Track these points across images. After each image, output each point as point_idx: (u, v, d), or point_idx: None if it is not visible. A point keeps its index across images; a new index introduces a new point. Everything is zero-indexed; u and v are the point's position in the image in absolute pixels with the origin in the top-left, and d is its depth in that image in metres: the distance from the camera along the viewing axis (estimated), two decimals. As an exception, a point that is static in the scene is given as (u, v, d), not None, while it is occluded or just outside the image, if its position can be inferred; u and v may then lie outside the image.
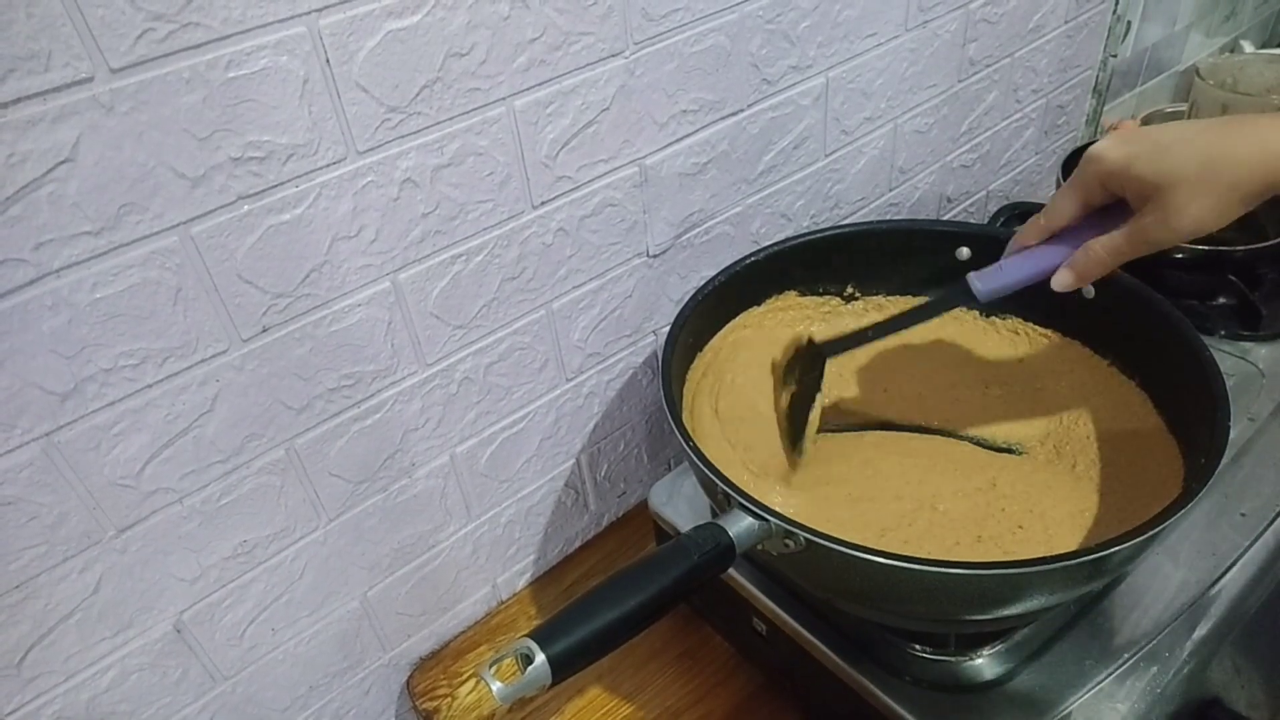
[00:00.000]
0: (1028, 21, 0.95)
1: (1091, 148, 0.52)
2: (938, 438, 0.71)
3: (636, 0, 0.60)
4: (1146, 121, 1.27)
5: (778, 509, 0.51)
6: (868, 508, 0.63)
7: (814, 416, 0.66)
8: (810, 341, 0.68)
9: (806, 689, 0.66)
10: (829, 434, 0.70)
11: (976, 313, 0.78)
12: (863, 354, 0.76)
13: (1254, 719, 0.64)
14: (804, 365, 0.69)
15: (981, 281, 0.57)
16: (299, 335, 0.55)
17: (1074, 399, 0.70)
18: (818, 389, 0.66)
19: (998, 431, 0.70)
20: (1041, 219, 0.55)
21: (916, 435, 0.71)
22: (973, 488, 0.64)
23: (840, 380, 0.74)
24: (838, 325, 0.77)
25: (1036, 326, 0.75)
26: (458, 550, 0.73)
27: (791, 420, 0.68)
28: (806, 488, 0.65)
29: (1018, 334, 0.76)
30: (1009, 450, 0.69)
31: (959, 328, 0.78)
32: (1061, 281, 0.54)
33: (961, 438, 0.70)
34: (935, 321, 0.78)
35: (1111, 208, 0.52)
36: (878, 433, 0.71)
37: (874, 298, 0.79)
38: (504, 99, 0.57)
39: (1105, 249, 0.52)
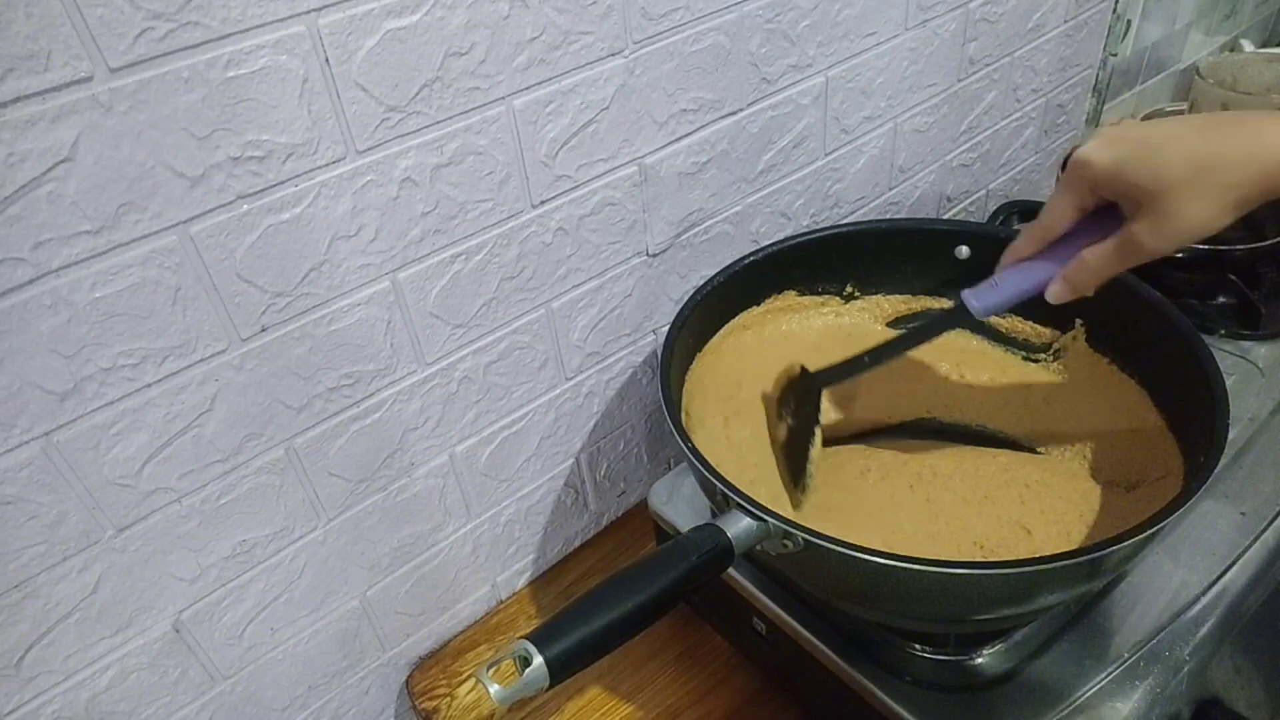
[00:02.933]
0: (1027, 21, 0.95)
1: (1078, 151, 0.50)
2: (934, 438, 0.70)
3: (636, 0, 0.60)
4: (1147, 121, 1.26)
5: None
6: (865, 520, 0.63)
7: (814, 453, 0.63)
8: (804, 372, 0.67)
9: (806, 689, 0.66)
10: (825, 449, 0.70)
11: (976, 312, 0.78)
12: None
13: (1254, 719, 0.64)
14: (798, 397, 0.67)
15: (977, 299, 0.56)
16: (298, 334, 0.55)
17: (1074, 398, 0.70)
18: (816, 422, 0.64)
19: (996, 430, 0.70)
20: (1035, 229, 0.53)
21: (912, 438, 0.71)
22: (971, 486, 0.64)
23: (832, 388, 0.74)
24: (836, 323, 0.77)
25: (1035, 325, 0.75)
26: (457, 550, 0.73)
27: (790, 456, 0.66)
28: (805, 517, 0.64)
29: (1017, 333, 0.76)
30: (1007, 445, 0.69)
31: (957, 328, 0.78)
32: (1056, 294, 0.53)
33: (960, 437, 0.70)
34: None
35: (1107, 209, 0.51)
36: (871, 441, 0.71)
37: (874, 297, 0.79)
38: (503, 98, 0.57)
39: (1098, 259, 0.50)
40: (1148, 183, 0.46)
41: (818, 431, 0.64)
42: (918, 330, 0.62)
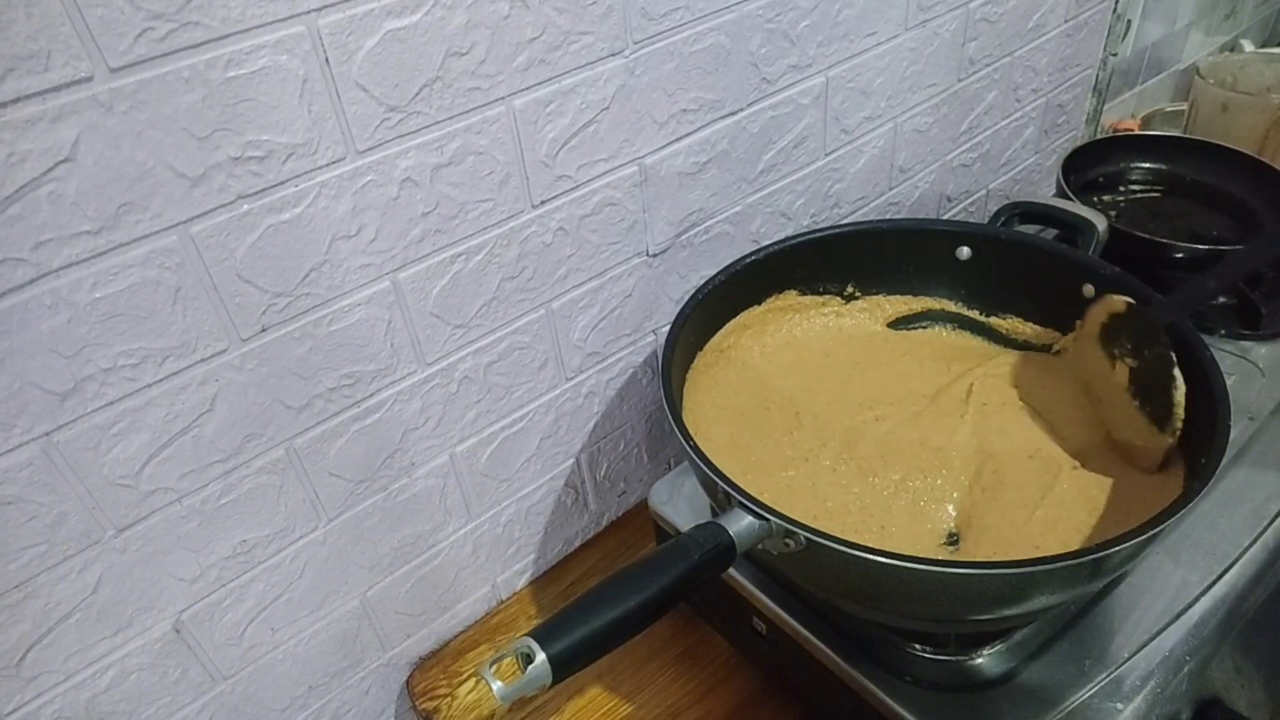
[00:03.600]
0: (1027, 20, 0.95)
1: None
2: (935, 435, 0.70)
3: (636, 0, 0.60)
4: (1146, 121, 1.27)
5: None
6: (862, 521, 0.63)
7: (1179, 395, 0.58)
8: (1131, 307, 0.62)
9: (806, 689, 0.66)
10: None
11: (977, 311, 0.78)
12: (854, 356, 0.76)
13: (1254, 719, 0.64)
14: (1136, 336, 0.62)
15: None
16: (298, 335, 0.55)
17: (1074, 397, 0.70)
18: (1172, 362, 0.59)
19: (996, 429, 0.70)
20: None
21: (910, 440, 0.71)
22: (970, 486, 0.64)
23: (833, 389, 0.74)
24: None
25: (1036, 326, 0.75)
26: (457, 550, 0.73)
27: (1145, 398, 0.61)
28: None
29: (1017, 333, 0.76)
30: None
31: (957, 328, 0.78)
32: None
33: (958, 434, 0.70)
34: (933, 323, 0.79)
35: None
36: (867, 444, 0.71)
37: (874, 297, 0.79)
38: (503, 98, 0.57)
39: None
40: None
41: (1176, 372, 0.59)
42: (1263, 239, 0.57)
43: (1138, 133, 1.12)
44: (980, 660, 0.58)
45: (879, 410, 0.71)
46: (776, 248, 0.74)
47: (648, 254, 0.72)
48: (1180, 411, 0.59)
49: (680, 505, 0.71)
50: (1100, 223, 0.74)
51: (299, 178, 0.50)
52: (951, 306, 0.78)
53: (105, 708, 0.56)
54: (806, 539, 0.49)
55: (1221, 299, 0.84)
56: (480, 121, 0.57)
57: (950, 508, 0.63)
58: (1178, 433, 0.59)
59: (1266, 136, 1.08)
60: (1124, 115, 1.26)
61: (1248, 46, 1.36)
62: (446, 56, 0.53)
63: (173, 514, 0.54)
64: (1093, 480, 0.63)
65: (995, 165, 1.05)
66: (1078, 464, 0.64)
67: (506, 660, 0.43)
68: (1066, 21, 1.01)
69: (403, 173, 0.54)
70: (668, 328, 0.67)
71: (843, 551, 0.48)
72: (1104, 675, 0.56)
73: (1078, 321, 0.71)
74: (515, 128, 0.58)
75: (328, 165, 0.51)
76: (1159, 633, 0.58)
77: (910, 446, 0.68)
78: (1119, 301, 0.64)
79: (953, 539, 0.61)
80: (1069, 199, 0.86)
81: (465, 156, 0.57)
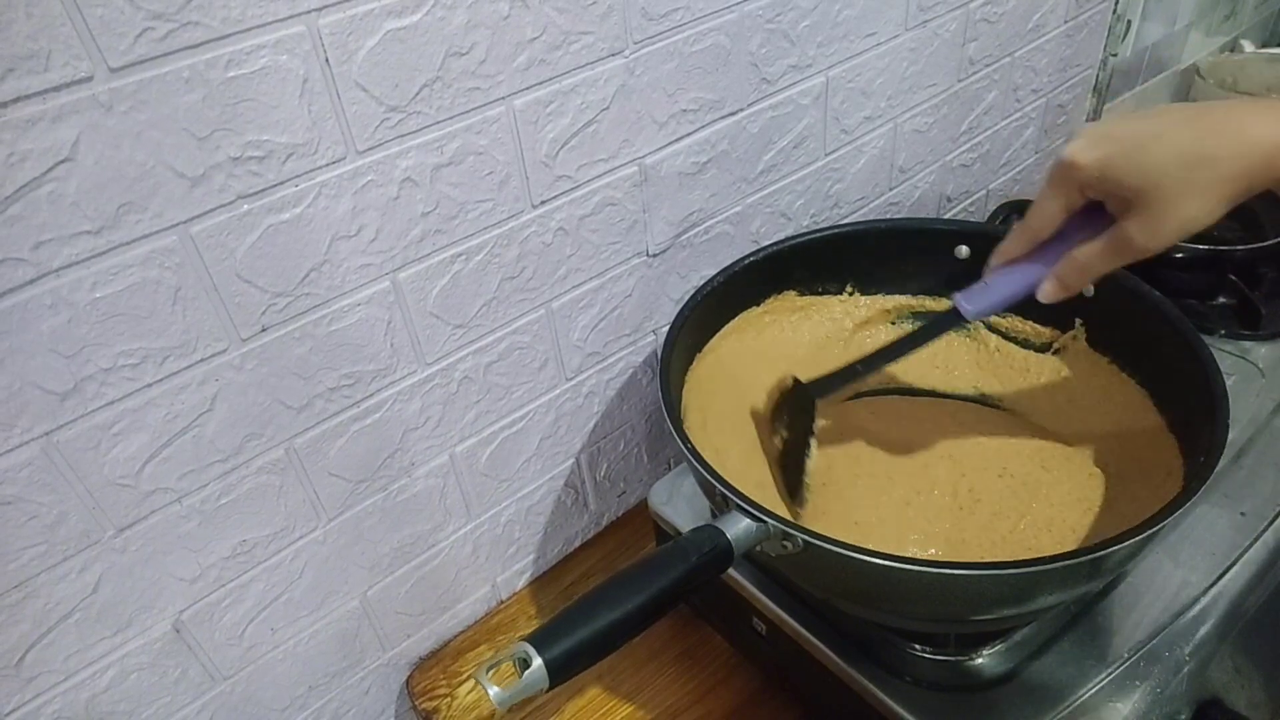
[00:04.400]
0: (1027, 21, 0.95)
1: (1063, 151, 0.49)
2: (931, 437, 0.70)
3: (636, 0, 0.60)
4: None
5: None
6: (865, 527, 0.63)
7: (811, 465, 0.63)
8: (796, 383, 0.66)
9: (806, 689, 0.66)
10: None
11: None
12: (854, 356, 0.76)
13: (1254, 719, 0.64)
14: (792, 409, 0.66)
15: (969, 302, 0.56)
16: (298, 335, 0.55)
17: (1074, 398, 0.70)
18: (810, 434, 0.64)
19: (996, 430, 0.70)
20: (1024, 230, 0.52)
21: (906, 442, 0.71)
22: (970, 486, 0.64)
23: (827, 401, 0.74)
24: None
25: (1035, 325, 0.75)
26: (457, 550, 0.73)
27: (786, 469, 0.65)
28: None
29: (1017, 333, 0.76)
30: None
31: (957, 329, 0.78)
32: (1047, 293, 0.52)
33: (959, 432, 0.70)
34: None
35: (1096, 206, 0.50)
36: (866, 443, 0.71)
37: (874, 297, 0.79)
38: (504, 98, 0.57)
39: (1089, 258, 0.50)
40: (1136, 181, 0.46)
41: (813, 443, 0.63)
42: (911, 336, 0.61)
43: (1138, 133, 1.12)
44: (980, 660, 0.58)
45: (877, 410, 0.71)
46: (776, 248, 0.74)
47: (648, 254, 0.72)
48: (810, 481, 0.63)
49: (680, 506, 0.71)
50: (1100, 223, 0.74)
51: (299, 178, 0.50)
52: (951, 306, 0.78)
53: (105, 707, 0.56)
54: (804, 541, 0.49)
55: (1222, 299, 0.84)
56: (480, 121, 0.57)
57: (940, 514, 0.63)
58: (805, 502, 0.63)
59: (1267, 137, 1.07)
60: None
61: (1248, 46, 1.36)
62: (447, 56, 0.53)
63: (173, 514, 0.54)
64: (1089, 480, 0.63)
65: (995, 165, 1.05)
66: (1068, 471, 0.64)
67: (503, 665, 0.43)
68: (1066, 22, 1.01)
69: (403, 173, 0.54)
70: (667, 328, 0.67)
71: (840, 553, 0.48)
72: (1104, 675, 0.56)
73: (1075, 337, 0.71)
74: (515, 128, 0.58)
75: (328, 165, 0.51)
76: (1159, 633, 0.58)
77: (910, 448, 0.68)
78: (786, 379, 0.67)
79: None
80: (1069, 199, 0.86)
81: (465, 156, 0.57)
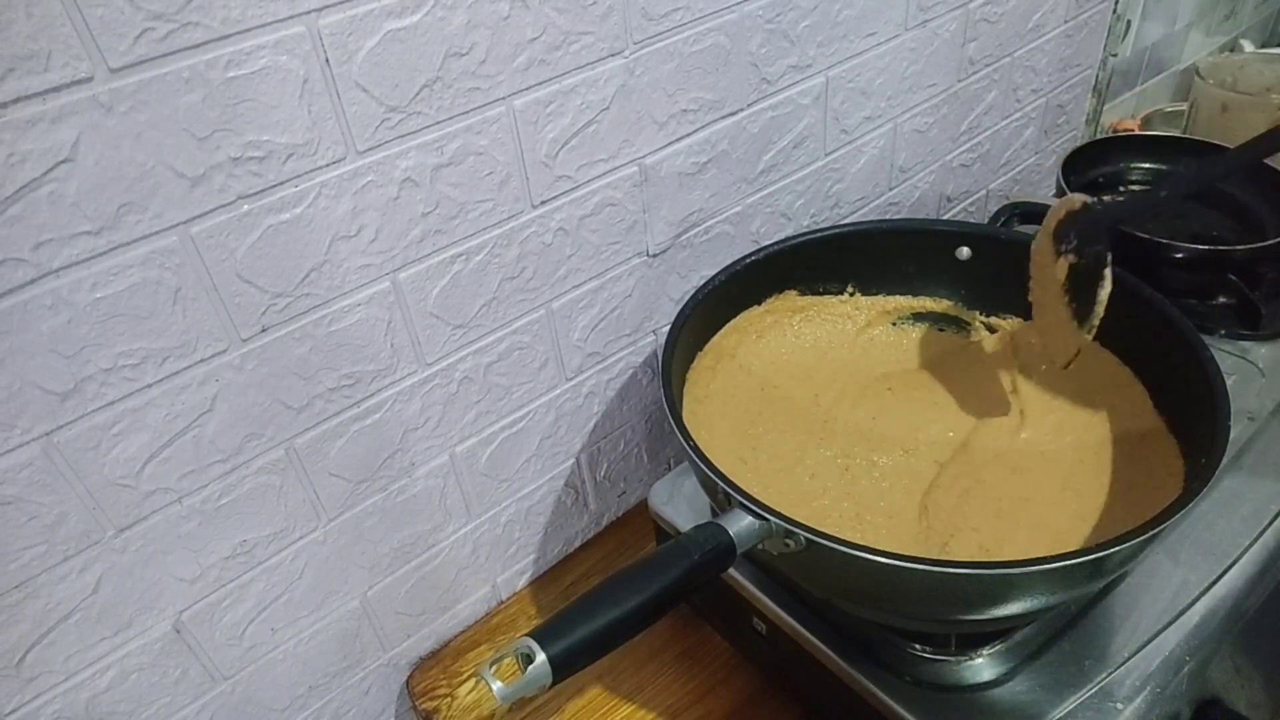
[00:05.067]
0: (1027, 21, 0.95)
1: None
2: (935, 436, 0.70)
3: (636, 0, 0.60)
4: (1146, 121, 1.27)
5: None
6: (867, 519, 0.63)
7: (1104, 292, 0.60)
8: (1086, 206, 0.63)
9: (806, 689, 0.66)
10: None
11: (977, 312, 0.78)
12: (854, 356, 0.76)
13: (1254, 719, 0.64)
14: (1082, 232, 0.63)
15: None
16: (299, 335, 0.55)
17: (1074, 398, 0.70)
18: (1105, 262, 0.60)
19: (996, 430, 0.70)
20: None
21: (913, 436, 0.71)
22: (969, 486, 0.64)
23: (833, 389, 0.74)
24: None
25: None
26: (457, 550, 0.73)
27: (1075, 292, 0.62)
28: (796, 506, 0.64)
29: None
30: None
31: (958, 327, 0.78)
32: None
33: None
34: (933, 321, 0.79)
35: None
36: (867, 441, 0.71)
37: (874, 297, 0.79)
38: (504, 98, 0.57)
39: None
40: None
41: (1108, 271, 0.60)
42: (1227, 156, 0.59)
43: (1138, 133, 1.12)
44: (980, 660, 0.58)
45: (878, 410, 0.71)
46: (776, 248, 0.74)
47: (648, 254, 0.72)
48: (1100, 309, 0.60)
49: (680, 505, 0.71)
50: (1100, 223, 0.74)
51: (299, 178, 0.50)
52: (951, 307, 0.78)
53: (105, 708, 0.56)
54: (806, 539, 0.49)
55: (1222, 299, 0.84)
56: (480, 122, 0.57)
57: (936, 509, 0.63)
58: (1094, 330, 0.60)
59: (1266, 136, 1.07)
60: (1124, 115, 1.26)
61: (1248, 46, 1.36)
62: (446, 57, 0.53)
63: (173, 514, 0.54)
64: (1089, 480, 0.63)
65: (995, 165, 1.05)
66: (1066, 473, 0.64)
67: (506, 660, 0.43)
68: (1066, 22, 1.01)
69: (403, 173, 0.54)
70: (668, 328, 0.67)
71: (842, 551, 0.48)
72: (1104, 675, 0.56)
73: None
74: (515, 128, 0.58)
75: (328, 165, 0.51)
76: (1159, 633, 0.58)
77: (910, 448, 0.68)
78: (1076, 200, 0.65)
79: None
80: (1069, 199, 0.86)
81: (465, 157, 0.57)
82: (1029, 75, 1.01)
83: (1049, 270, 0.65)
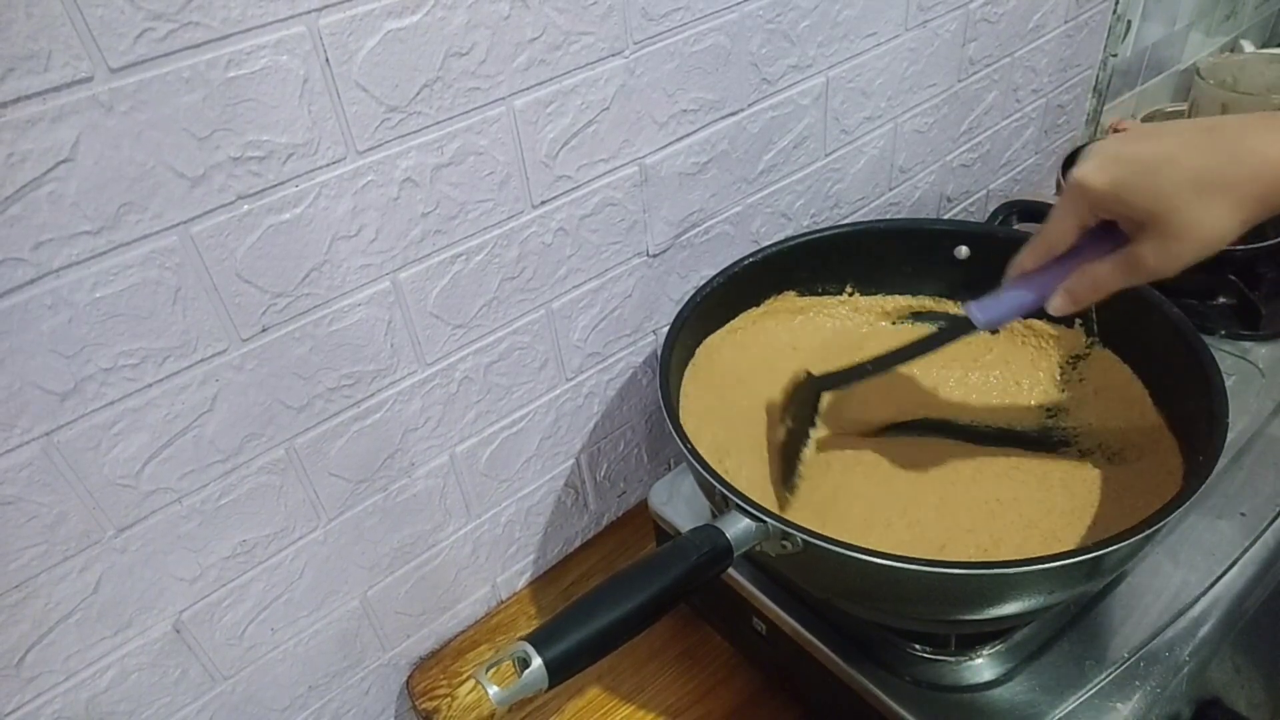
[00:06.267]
0: (1028, 21, 0.95)
1: (1074, 171, 0.48)
2: (932, 436, 0.70)
3: (636, 0, 0.60)
4: (1146, 121, 1.27)
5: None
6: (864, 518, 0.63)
7: (807, 454, 0.66)
8: (808, 375, 0.68)
9: (806, 689, 0.66)
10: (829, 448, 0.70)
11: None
12: (853, 357, 0.76)
13: (1254, 719, 0.64)
14: (798, 401, 0.68)
15: (982, 312, 0.56)
16: (299, 335, 0.55)
17: (1074, 397, 0.70)
18: (811, 424, 0.66)
19: (997, 427, 0.70)
20: (1038, 244, 0.52)
21: (908, 436, 0.71)
22: (970, 485, 0.64)
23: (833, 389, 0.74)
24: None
25: (1036, 324, 0.75)
26: (457, 550, 0.73)
27: (785, 457, 0.67)
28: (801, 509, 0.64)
29: (1016, 332, 0.76)
30: (1008, 442, 0.68)
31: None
32: (1057, 307, 0.52)
33: (959, 434, 0.70)
34: (932, 320, 0.79)
35: (1113, 224, 0.49)
36: (869, 440, 0.71)
37: (874, 297, 0.79)
38: (504, 98, 0.57)
39: (1101, 275, 0.49)
40: (1148, 205, 0.45)
41: (812, 434, 0.66)
42: (922, 341, 0.61)
43: (1138, 133, 1.12)
44: (980, 660, 0.58)
45: (878, 411, 0.71)
46: (776, 248, 0.74)
47: (648, 254, 0.72)
48: (803, 470, 0.66)
49: (680, 506, 0.71)
50: (1100, 223, 0.74)
51: (299, 178, 0.50)
52: (951, 306, 0.78)
53: (105, 708, 0.56)
54: (803, 541, 0.49)
55: (1222, 299, 0.84)
56: (480, 122, 0.57)
57: (938, 508, 0.63)
58: (795, 490, 0.65)
59: (1267, 137, 1.07)
60: (1124, 115, 1.26)
61: (1248, 46, 1.36)
62: (447, 57, 0.53)
63: (173, 514, 0.54)
64: (1089, 480, 0.63)
65: (995, 165, 1.05)
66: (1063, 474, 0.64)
67: (503, 664, 0.43)
68: (1066, 22, 1.01)
69: (403, 173, 0.54)
70: (667, 328, 0.67)
71: (839, 553, 0.48)
72: (1104, 675, 0.56)
73: (1094, 342, 0.71)
74: (515, 128, 0.58)
75: (328, 165, 0.51)
76: (1159, 633, 0.58)
77: (908, 448, 0.68)
78: (801, 371, 0.69)
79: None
80: (1069, 199, 0.86)
81: (465, 157, 0.57)
82: (1029, 75, 1.01)
83: (772, 437, 0.69)
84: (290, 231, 0.51)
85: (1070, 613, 0.60)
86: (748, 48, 0.69)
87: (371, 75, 0.51)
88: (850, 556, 0.48)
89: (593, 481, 0.81)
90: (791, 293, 0.77)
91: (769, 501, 0.64)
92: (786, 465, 0.67)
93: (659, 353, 0.65)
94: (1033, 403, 0.71)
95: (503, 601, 0.80)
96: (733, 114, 0.71)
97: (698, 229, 0.75)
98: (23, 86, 0.40)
